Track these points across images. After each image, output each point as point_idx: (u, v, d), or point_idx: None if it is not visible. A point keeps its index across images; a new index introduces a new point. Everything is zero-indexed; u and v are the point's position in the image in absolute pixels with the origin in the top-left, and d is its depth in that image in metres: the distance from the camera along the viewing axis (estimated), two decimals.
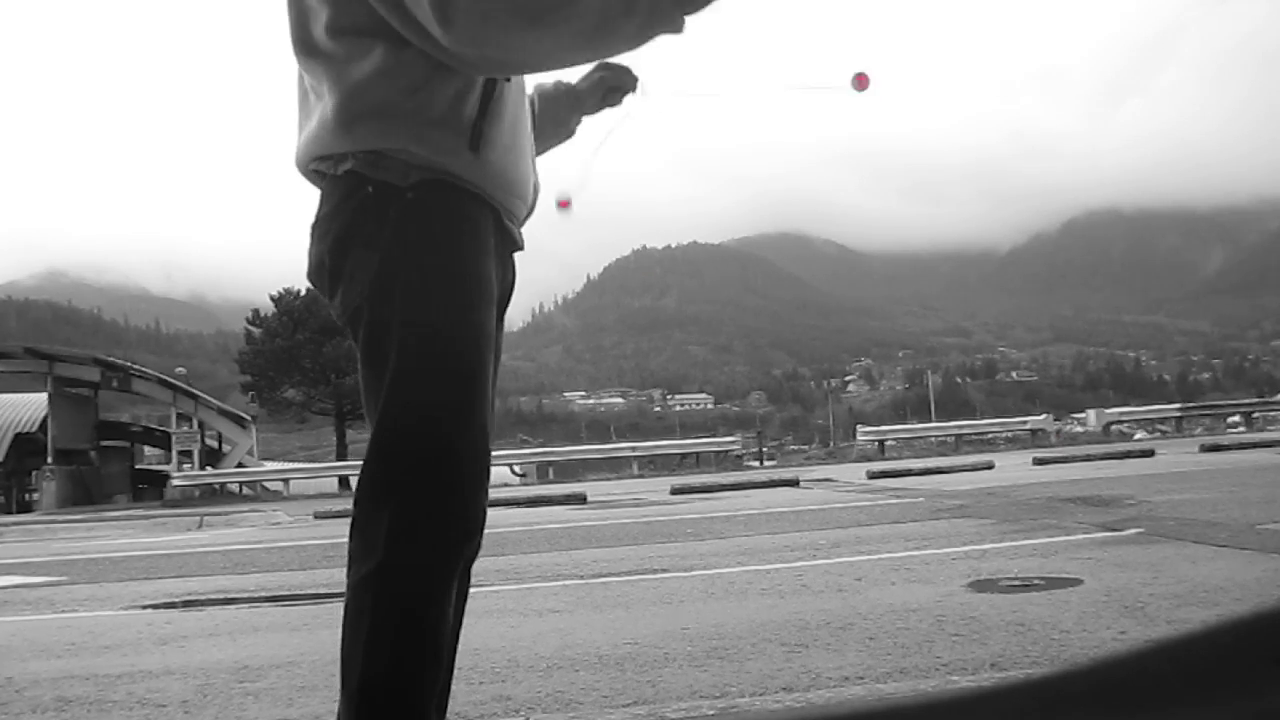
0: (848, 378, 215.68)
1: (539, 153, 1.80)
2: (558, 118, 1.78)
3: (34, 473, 29.43)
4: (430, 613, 1.39)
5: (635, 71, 1.75)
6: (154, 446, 37.16)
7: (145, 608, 4.86)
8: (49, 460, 28.04)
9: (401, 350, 1.40)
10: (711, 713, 2.32)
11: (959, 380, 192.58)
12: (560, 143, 1.83)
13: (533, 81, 1.77)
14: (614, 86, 1.76)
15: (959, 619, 3.22)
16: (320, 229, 1.48)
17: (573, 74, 1.77)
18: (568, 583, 4.84)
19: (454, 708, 2.50)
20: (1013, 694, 0.55)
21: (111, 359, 32.73)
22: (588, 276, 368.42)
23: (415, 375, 1.40)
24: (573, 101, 1.78)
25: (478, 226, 1.46)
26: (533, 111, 1.75)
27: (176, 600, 5.04)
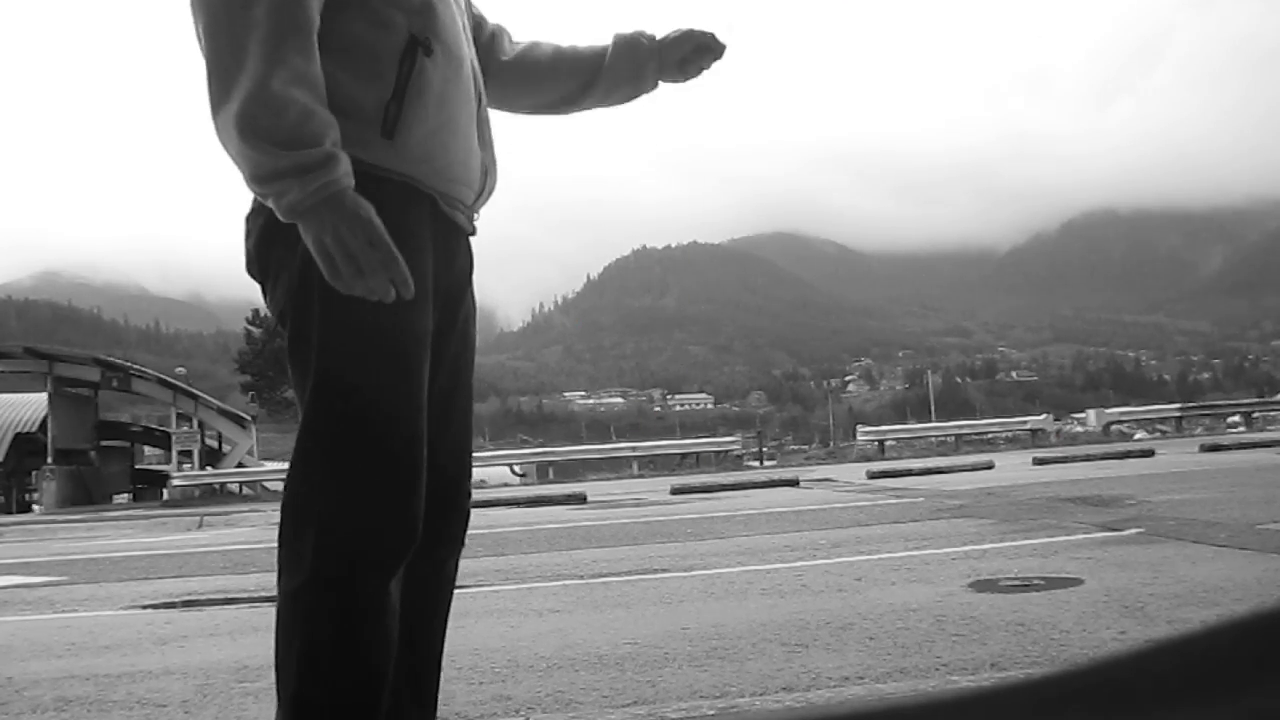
0: (848, 378, 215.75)
1: (612, 103, 1.76)
2: (635, 68, 1.71)
3: (34, 473, 29.43)
4: (364, 627, 1.34)
5: (720, 39, 1.73)
6: (154, 446, 37.16)
7: (145, 608, 4.86)
8: (49, 460, 28.01)
9: (321, 353, 1.36)
10: (711, 713, 2.32)
11: (959, 380, 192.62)
12: (634, 97, 1.77)
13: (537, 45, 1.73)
14: (702, 46, 1.71)
15: (959, 619, 3.22)
16: (247, 227, 1.44)
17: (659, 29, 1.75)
18: (568, 583, 4.84)
19: (454, 708, 2.50)
20: (1013, 694, 0.55)
21: (111, 359, 32.72)
22: (588, 276, 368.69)
23: (337, 379, 1.35)
24: (651, 55, 1.72)
25: (401, 217, 1.37)
26: (604, 59, 1.70)
27: (176, 600, 5.04)
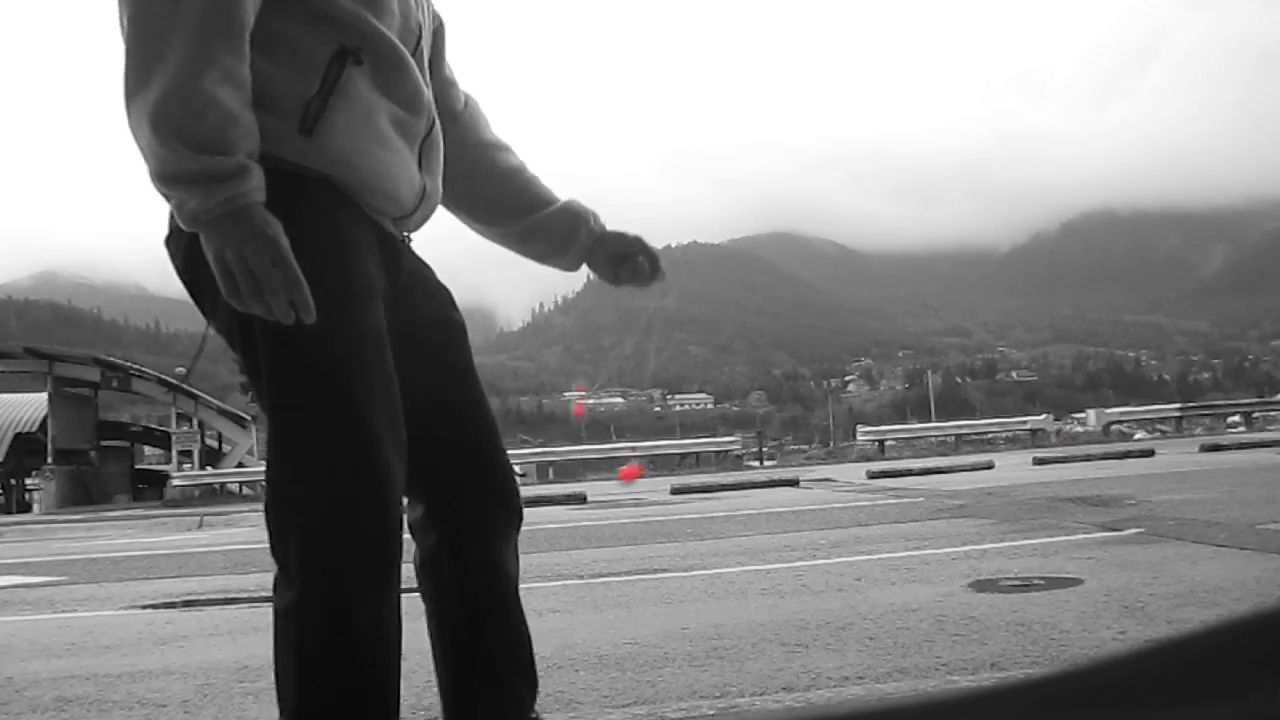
0: (848, 378, 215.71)
1: (525, 252, 1.72)
2: (566, 238, 1.69)
3: (34, 473, 29.43)
4: (357, 639, 1.32)
5: (661, 271, 1.73)
6: (154, 446, 37.18)
7: (145, 608, 4.86)
8: (49, 460, 28.02)
9: (272, 366, 1.33)
10: (711, 713, 2.32)
11: (959, 380, 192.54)
12: (547, 260, 1.73)
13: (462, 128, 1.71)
14: (636, 266, 1.71)
15: (959, 619, 3.22)
16: (169, 250, 1.39)
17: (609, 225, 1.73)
18: (568, 583, 4.84)
19: None
20: (1013, 694, 0.55)
21: (111, 359, 32.73)
22: (588, 276, 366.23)
23: (290, 389, 1.33)
24: (588, 238, 1.70)
25: (333, 212, 1.35)
26: (546, 208, 1.68)
27: (176, 600, 5.04)
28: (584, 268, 1.76)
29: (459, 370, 1.56)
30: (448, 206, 1.71)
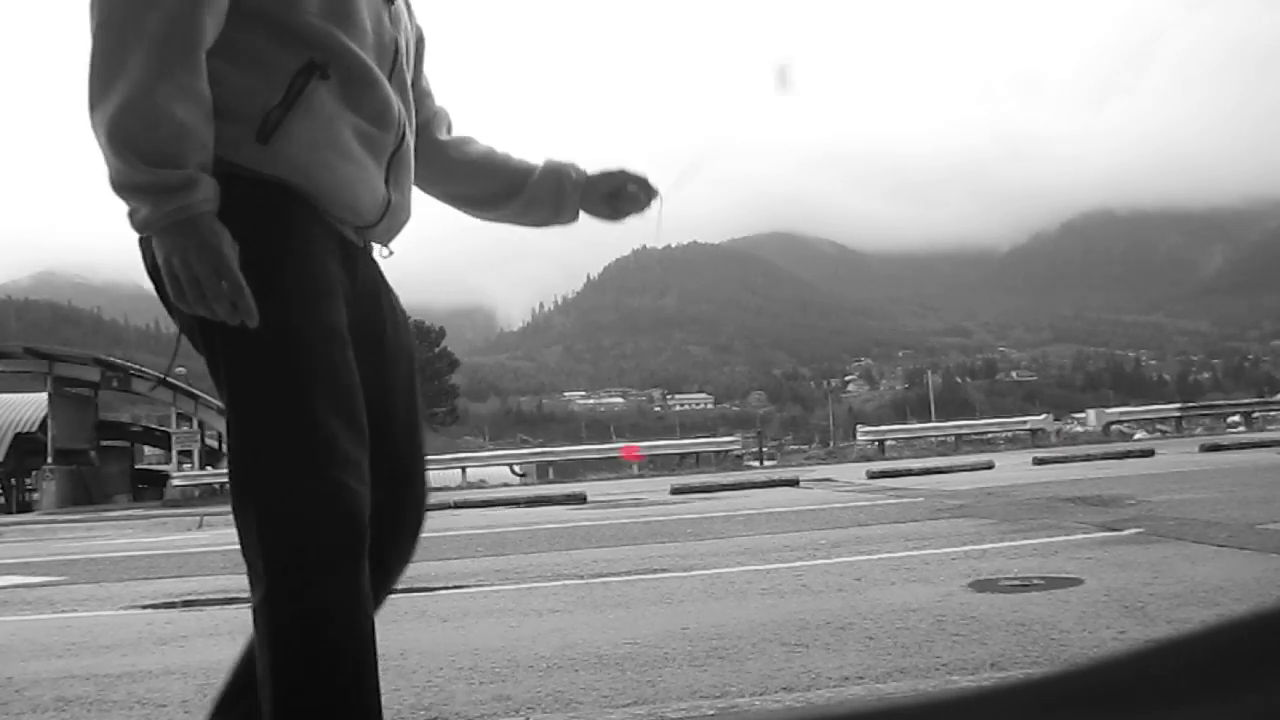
0: (848, 378, 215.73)
1: (527, 222, 1.78)
2: (558, 196, 1.74)
3: (34, 473, 29.46)
4: (329, 629, 1.33)
5: (654, 190, 1.74)
6: (154, 446, 37.19)
7: (145, 608, 4.86)
8: (49, 460, 28.05)
9: (227, 361, 1.36)
10: (711, 713, 2.32)
11: (959, 380, 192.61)
12: (551, 223, 1.78)
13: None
14: (629, 195, 1.74)
15: (959, 619, 3.22)
16: (141, 249, 1.41)
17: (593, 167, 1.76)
18: (568, 583, 4.84)
19: (454, 708, 2.51)
20: (1013, 694, 0.55)
21: (111, 359, 32.73)
22: (588, 276, 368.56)
23: (246, 385, 1.36)
24: (576, 188, 1.74)
25: (289, 214, 1.37)
26: (531, 176, 1.73)
27: (176, 600, 5.04)
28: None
29: (403, 389, 1.56)
30: (452, 205, 1.78)
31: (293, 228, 1.38)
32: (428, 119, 1.71)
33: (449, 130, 1.77)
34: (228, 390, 1.37)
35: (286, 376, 1.35)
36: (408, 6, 1.63)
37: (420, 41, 1.70)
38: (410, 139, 1.55)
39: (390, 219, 1.53)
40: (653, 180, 1.75)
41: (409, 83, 1.57)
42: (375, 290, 1.54)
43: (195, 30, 1.29)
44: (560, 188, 1.74)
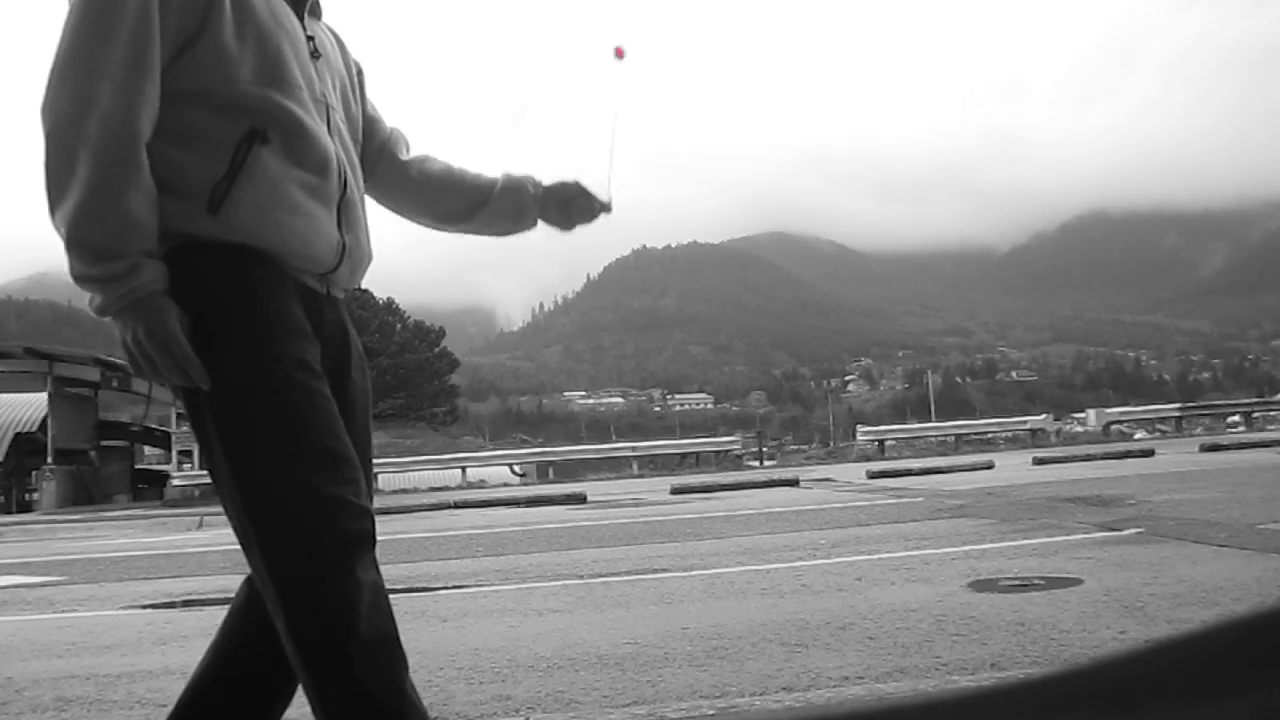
0: (848, 378, 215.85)
1: (491, 232, 1.88)
2: (518, 209, 1.82)
3: (34, 473, 29.44)
4: (352, 634, 1.39)
5: (603, 203, 1.82)
6: (154, 446, 37.16)
7: (145, 608, 4.86)
8: (49, 460, 28.02)
9: (217, 418, 1.43)
10: (711, 713, 2.32)
11: (959, 380, 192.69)
12: (513, 232, 1.88)
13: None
14: (581, 205, 1.82)
15: (959, 619, 3.22)
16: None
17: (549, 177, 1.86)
18: (568, 583, 4.84)
19: (454, 708, 2.51)
20: (1013, 694, 0.55)
21: (111, 359, 32.67)
22: (588, 276, 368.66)
23: (240, 436, 1.42)
24: (534, 201, 1.82)
25: (248, 270, 1.45)
26: (492, 192, 1.81)
27: (176, 600, 5.04)
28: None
29: (360, 430, 1.62)
30: (418, 222, 1.87)
31: (256, 285, 1.46)
32: (383, 142, 1.79)
33: (408, 149, 1.84)
34: (220, 441, 1.43)
35: (276, 416, 1.42)
36: (341, 47, 1.70)
37: (360, 74, 1.77)
38: (354, 181, 1.61)
39: (349, 261, 1.59)
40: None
41: (345, 130, 1.63)
42: (342, 335, 1.60)
43: (132, 128, 1.39)
44: (520, 201, 1.83)
